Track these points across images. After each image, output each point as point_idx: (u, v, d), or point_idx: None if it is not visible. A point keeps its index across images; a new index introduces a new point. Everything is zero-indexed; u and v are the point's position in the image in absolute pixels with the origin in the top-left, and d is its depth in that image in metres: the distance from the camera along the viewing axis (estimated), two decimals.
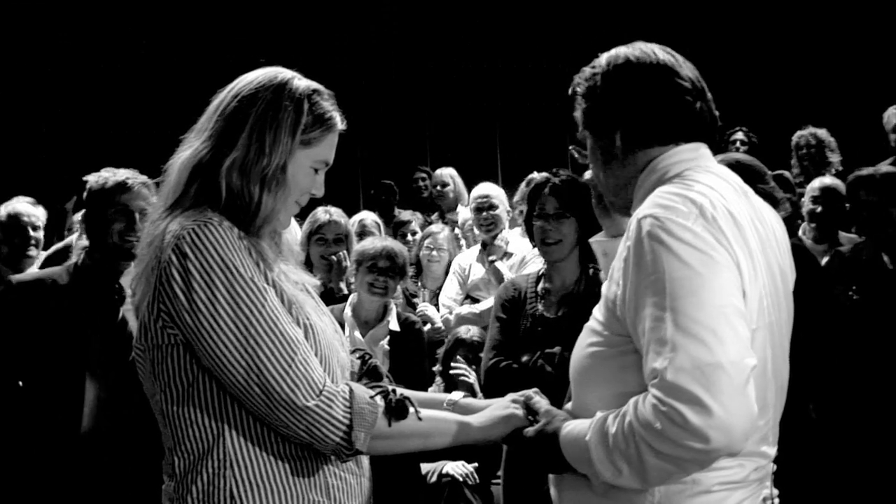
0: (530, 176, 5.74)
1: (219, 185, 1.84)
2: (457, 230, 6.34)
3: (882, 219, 3.95)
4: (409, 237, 6.06)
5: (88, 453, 3.09)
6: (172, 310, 1.76)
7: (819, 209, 4.72)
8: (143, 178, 3.29)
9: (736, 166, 3.39)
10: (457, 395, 2.18)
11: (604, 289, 1.83)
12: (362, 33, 9.42)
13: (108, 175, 3.28)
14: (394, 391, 1.90)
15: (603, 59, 1.95)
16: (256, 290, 1.76)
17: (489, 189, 5.54)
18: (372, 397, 1.84)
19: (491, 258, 5.11)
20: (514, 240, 5.34)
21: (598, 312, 1.84)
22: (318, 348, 1.85)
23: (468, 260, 5.35)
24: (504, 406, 2.04)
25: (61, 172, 4.07)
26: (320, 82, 1.98)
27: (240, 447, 1.80)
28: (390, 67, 9.60)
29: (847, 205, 4.47)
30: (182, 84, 7.68)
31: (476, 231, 5.61)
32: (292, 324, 1.80)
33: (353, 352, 2.11)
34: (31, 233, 4.91)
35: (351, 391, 1.82)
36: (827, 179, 4.91)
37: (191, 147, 1.89)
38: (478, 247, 5.43)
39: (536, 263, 4.82)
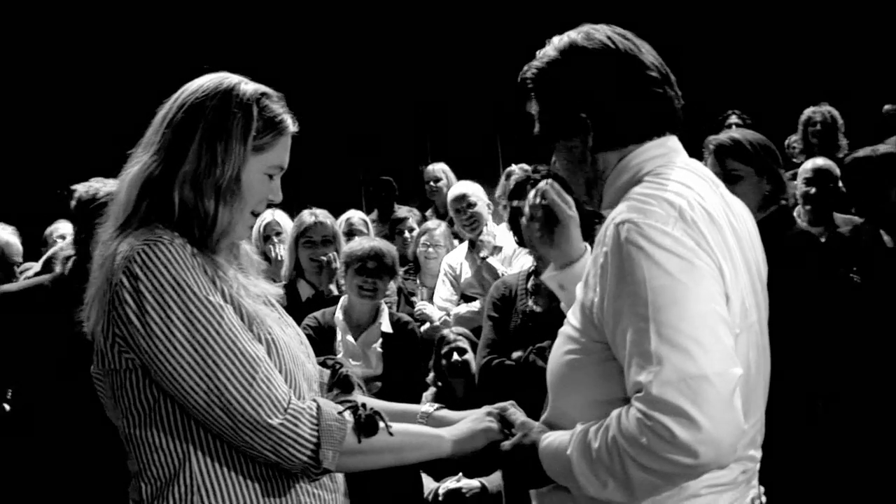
0: (508, 169, 5.66)
1: (171, 201, 1.77)
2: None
3: (880, 199, 3.86)
4: (407, 234, 5.98)
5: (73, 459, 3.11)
6: (127, 334, 1.71)
7: (813, 190, 4.63)
8: None
9: (750, 147, 3.32)
10: (430, 407, 2.12)
11: (578, 293, 1.77)
12: (362, 33, 9.39)
13: (99, 186, 3.29)
14: (363, 405, 1.84)
15: (552, 49, 1.83)
16: (212, 308, 1.70)
17: (465, 188, 5.44)
18: (340, 413, 1.78)
19: (482, 255, 5.02)
20: (501, 233, 5.22)
21: (573, 318, 1.77)
22: (282, 363, 1.79)
23: (457, 259, 5.24)
24: (479, 419, 1.98)
25: (61, 173, 4.07)
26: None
27: (207, 471, 1.74)
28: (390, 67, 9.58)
29: (841, 185, 4.38)
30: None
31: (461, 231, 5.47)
32: (252, 341, 1.74)
33: (321, 362, 2.05)
34: (14, 266, 4.71)
35: (318, 407, 1.76)
36: (819, 161, 4.82)
37: (139, 162, 1.82)
38: (465, 245, 5.31)
39: (525, 256, 4.76)
